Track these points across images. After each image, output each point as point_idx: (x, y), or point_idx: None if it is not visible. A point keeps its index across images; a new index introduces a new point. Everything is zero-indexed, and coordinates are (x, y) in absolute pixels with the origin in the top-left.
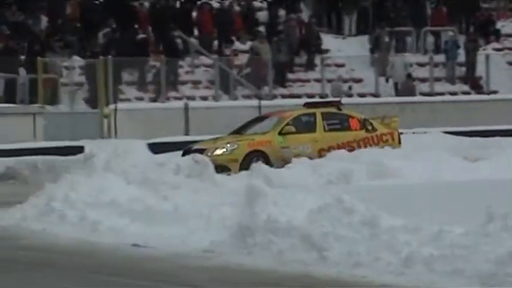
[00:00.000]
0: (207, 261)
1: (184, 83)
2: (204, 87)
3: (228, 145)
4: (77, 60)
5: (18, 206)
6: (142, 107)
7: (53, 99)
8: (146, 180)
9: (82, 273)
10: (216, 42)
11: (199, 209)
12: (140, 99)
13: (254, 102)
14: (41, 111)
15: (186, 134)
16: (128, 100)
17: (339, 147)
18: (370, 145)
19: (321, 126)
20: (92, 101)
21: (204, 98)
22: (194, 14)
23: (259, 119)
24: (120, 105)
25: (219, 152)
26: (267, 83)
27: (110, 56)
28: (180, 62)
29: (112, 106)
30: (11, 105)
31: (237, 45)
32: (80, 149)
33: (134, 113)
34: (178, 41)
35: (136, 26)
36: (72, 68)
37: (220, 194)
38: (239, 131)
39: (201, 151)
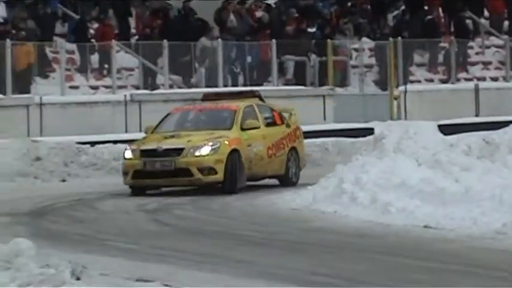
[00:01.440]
0: (498, 243)
1: (474, 63)
2: (494, 68)
3: (211, 143)
4: (367, 42)
5: (309, 188)
6: (432, 89)
7: (343, 82)
8: (437, 162)
9: (373, 255)
10: (506, 23)
11: (491, 191)
12: (430, 80)
13: None
14: (331, 94)
15: (477, 115)
16: (418, 81)
17: (277, 144)
18: (293, 142)
19: (261, 121)
20: (382, 83)
21: (494, 79)
22: None
23: (168, 116)
24: (410, 87)
25: (204, 151)
26: None
27: (399, 38)
28: (470, 43)
29: (402, 87)
30: (301, 87)
31: None
32: (370, 131)
33: (424, 94)
34: (468, 21)
35: (426, 7)
36: (361, 50)
37: (511, 175)
38: (154, 130)
39: (177, 151)
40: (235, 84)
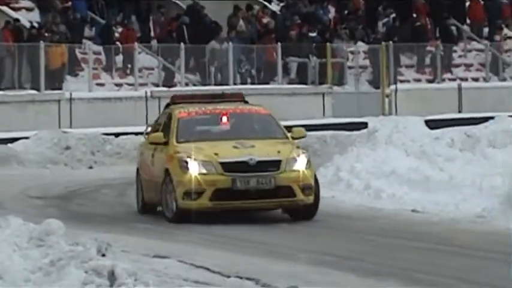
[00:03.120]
0: (478, 226)
1: (457, 65)
2: (475, 70)
3: (304, 155)
4: (361, 46)
5: None
6: (420, 87)
7: (340, 81)
8: (423, 153)
9: (366, 236)
10: (486, 29)
11: (472, 179)
12: (418, 80)
13: None
14: (330, 91)
15: (459, 111)
16: (407, 81)
17: None
18: None
19: None
20: (375, 82)
21: (475, 79)
22: (467, 3)
23: (180, 121)
24: (400, 86)
25: (301, 165)
26: None
27: (391, 42)
28: (454, 47)
29: (392, 86)
30: (303, 86)
31: (506, 31)
32: (364, 125)
33: (412, 92)
34: (453, 28)
35: (414, 15)
36: (357, 52)
37: (490, 165)
38: (177, 139)
39: (274, 164)
40: (244, 83)
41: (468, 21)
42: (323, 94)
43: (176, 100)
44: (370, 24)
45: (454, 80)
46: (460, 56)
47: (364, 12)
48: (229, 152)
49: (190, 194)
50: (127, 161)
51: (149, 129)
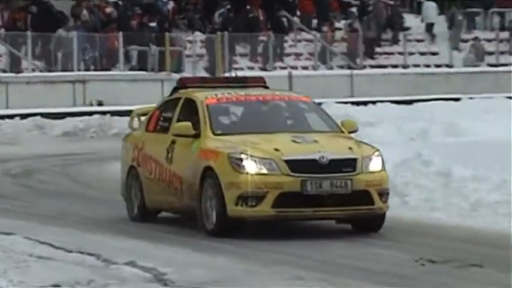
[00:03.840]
0: None
1: (288, 55)
2: (305, 59)
3: (377, 153)
4: (199, 35)
5: None
6: (253, 75)
7: (178, 68)
8: None
9: None
10: (315, 21)
11: None
12: (251, 68)
13: (347, 71)
14: (168, 78)
15: None
16: (241, 69)
17: None
18: None
19: None
20: (211, 70)
21: (305, 68)
22: None
23: (209, 108)
24: (234, 73)
25: (376, 165)
26: (358, 55)
27: (226, 32)
28: (285, 37)
29: (227, 74)
30: (143, 72)
31: (334, 23)
32: None
33: None
34: (284, 19)
35: (248, 7)
36: (194, 41)
37: None
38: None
39: (349, 164)
40: (87, 69)
41: (298, 13)
42: (162, 80)
43: (186, 84)
44: (207, 15)
45: (285, 68)
46: (290, 46)
47: (202, 4)
48: (292, 148)
49: (247, 199)
50: None
51: (136, 118)
